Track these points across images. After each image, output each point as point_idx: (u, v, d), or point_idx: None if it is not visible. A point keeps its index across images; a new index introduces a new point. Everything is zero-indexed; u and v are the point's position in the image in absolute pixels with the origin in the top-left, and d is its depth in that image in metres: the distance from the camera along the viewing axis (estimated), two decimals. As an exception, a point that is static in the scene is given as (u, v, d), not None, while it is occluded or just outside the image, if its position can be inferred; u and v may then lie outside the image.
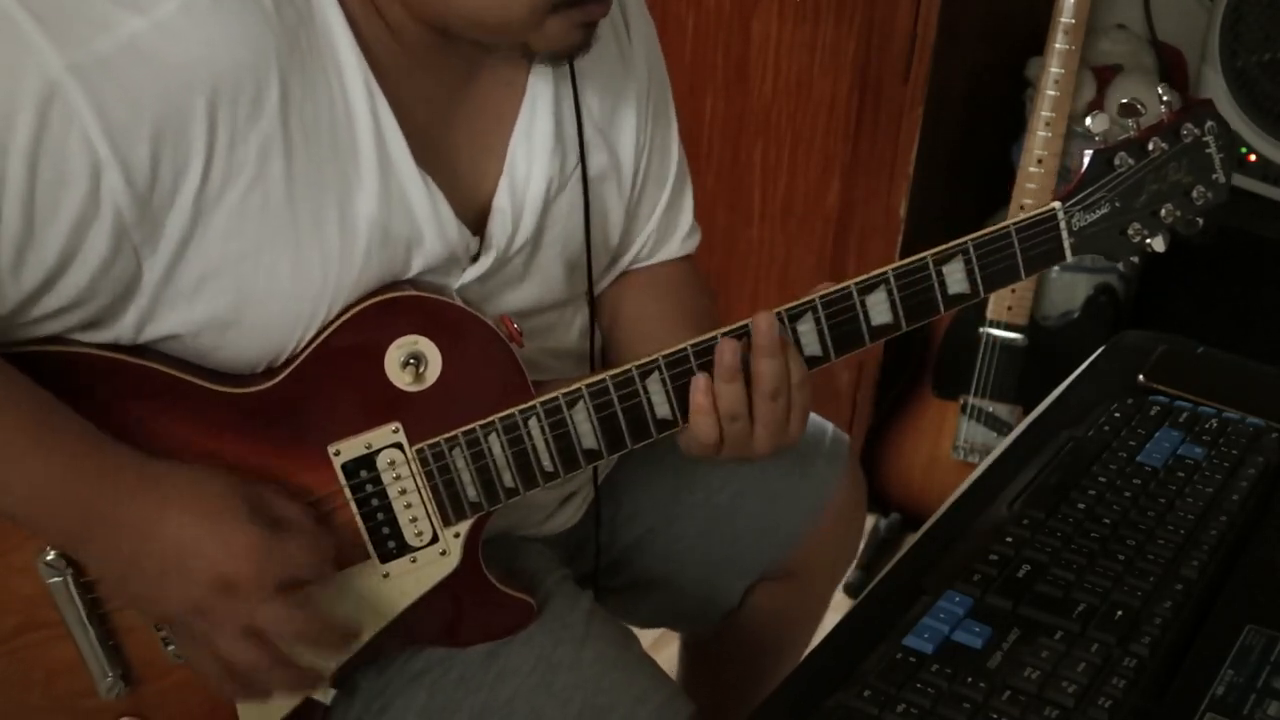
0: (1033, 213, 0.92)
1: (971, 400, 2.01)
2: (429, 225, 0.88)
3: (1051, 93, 1.82)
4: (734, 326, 0.90)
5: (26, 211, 0.76)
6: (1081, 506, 0.94)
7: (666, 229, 1.13)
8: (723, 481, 1.22)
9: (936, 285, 0.92)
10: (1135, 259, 0.96)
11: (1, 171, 0.74)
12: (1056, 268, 1.96)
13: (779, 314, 0.90)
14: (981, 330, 1.97)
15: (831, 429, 1.29)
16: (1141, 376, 1.13)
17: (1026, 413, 1.41)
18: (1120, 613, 0.83)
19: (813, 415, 1.25)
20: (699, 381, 0.90)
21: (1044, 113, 1.83)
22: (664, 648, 1.54)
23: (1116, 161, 0.93)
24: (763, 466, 1.22)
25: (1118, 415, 1.06)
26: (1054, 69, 1.81)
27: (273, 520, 0.83)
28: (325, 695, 0.93)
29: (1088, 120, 0.95)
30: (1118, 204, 0.94)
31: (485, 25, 0.84)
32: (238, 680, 0.86)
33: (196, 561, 0.81)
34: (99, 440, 0.82)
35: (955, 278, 0.92)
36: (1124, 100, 0.92)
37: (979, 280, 0.92)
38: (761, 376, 0.90)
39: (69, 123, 0.74)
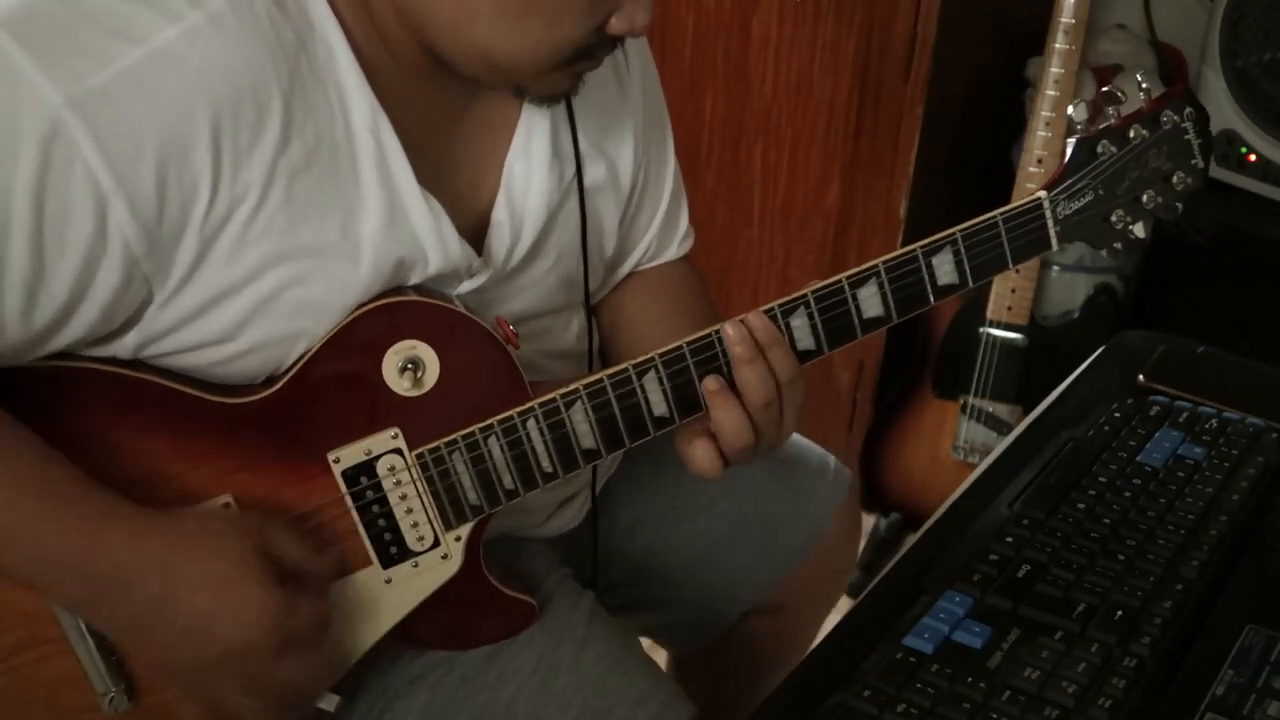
0: (1019, 202, 0.93)
1: (971, 400, 2.01)
2: (432, 243, 0.88)
3: (1051, 93, 1.82)
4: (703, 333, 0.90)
5: (35, 251, 0.75)
6: (1081, 506, 0.94)
7: (665, 236, 1.14)
8: (724, 511, 1.22)
9: (926, 276, 0.92)
10: (1118, 245, 0.97)
11: (6, 212, 0.74)
12: (1056, 267, 1.98)
13: (773, 309, 0.90)
14: (981, 330, 1.97)
15: (834, 463, 1.30)
16: (1141, 376, 1.13)
17: (1026, 413, 1.41)
18: (1120, 613, 0.83)
19: (817, 447, 1.27)
20: (710, 383, 0.90)
21: (1044, 113, 1.83)
22: (663, 650, 1.54)
23: (1099, 149, 0.94)
24: (765, 497, 1.23)
25: (1118, 415, 1.06)
26: (1054, 69, 1.81)
27: (284, 571, 0.82)
28: (329, 703, 0.93)
29: (1069, 109, 0.96)
30: (1101, 191, 0.94)
31: (493, 66, 0.84)
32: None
33: (211, 632, 0.80)
34: (107, 504, 0.80)
35: (944, 269, 0.92)
36: (1104, 89, 0.93)
37: (968, 270, 0.93)
38: (746, 386, 0.90)
39: (72, 158, 0.73)
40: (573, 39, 0.83)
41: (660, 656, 1.31)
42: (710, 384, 0.90)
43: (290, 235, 0.82)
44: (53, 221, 0.75)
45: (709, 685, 1.34)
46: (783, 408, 0.92)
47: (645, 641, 1.10)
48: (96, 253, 0.77)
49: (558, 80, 0.88)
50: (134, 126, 0.74)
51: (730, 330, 0.89)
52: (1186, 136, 0.95)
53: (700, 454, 0.93)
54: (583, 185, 0.99)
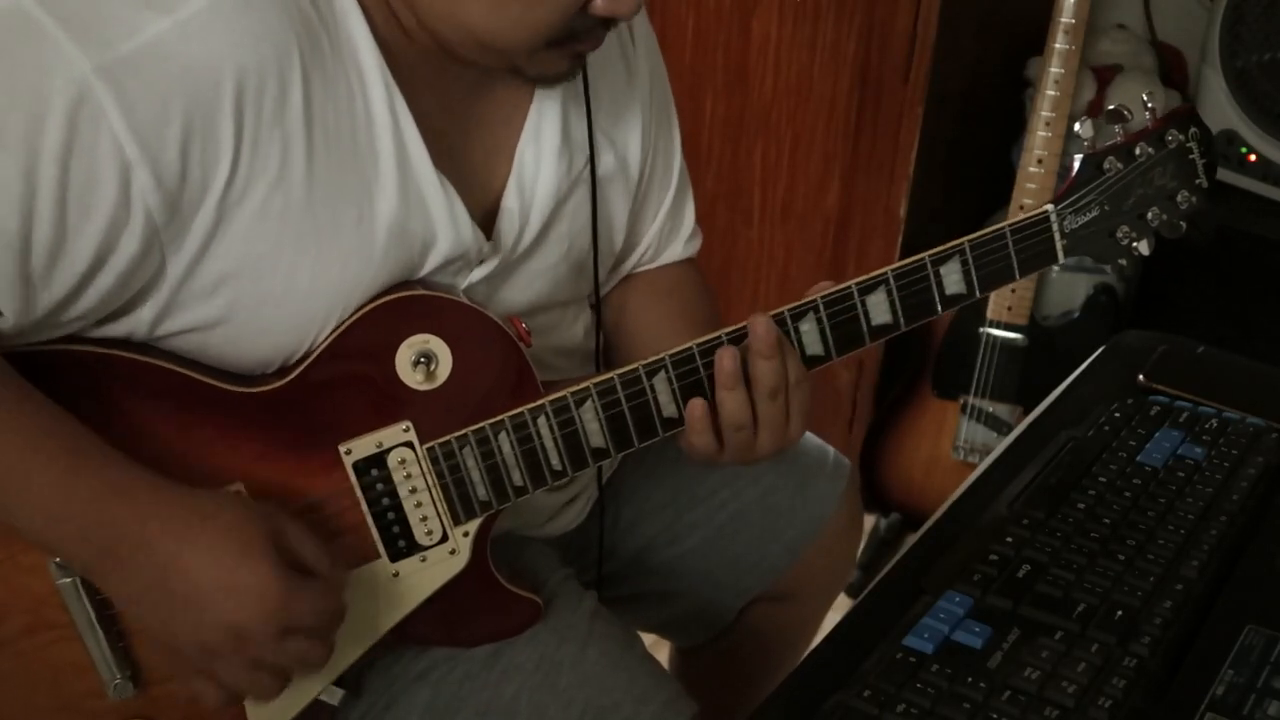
0: (1027, 215, 0.94)
1: (971, 400, 2.02)
2: (445, 227, 0.89)
3: (1051, 93, 1.82)
4: (735, 328, 0.91)
5: (59, 217, 0.76)
6: (1081, 506, 0.94)
7: (670, 232, 1.14)
8: (725, 500, 1.23)
9: (934, 285, 0.93)
10: (1123, 261, 0.98)
11: (34, 177, 0.74)
12: (1056, 267, 1.98)
13: (782, 314, 0.91)
14: (981, 330, 1.97)
15: (833, 454, 1.30)
16: (1141, 376, 1.14)
17: (1026, 413, 1.41)
18: (1120, 613, 0.83)
19: (816, 439, 1.27)
20: (695, 407, 0.91)
21: (1044, 113, 1.83)
22: (665, 647, 1.54)
23: (1105, 166, 0.95)
24: (765, 488, 1.23)
25: (1118, 415, 1.07)
26: (1054, 69, 1.81)
27: (294, 564, 0.82)
28: (333, 696, 0.94)
29: (1076, 125, 0.98)
30: (1107, 207, 0.96)
31: (484, 46, 0.85)
32: (227, 696, 0.86)
33: (210, 608, 0.80)
34: (126, 470, 0.81)
35: (952, 278, 0.93)
36: (1111, 106, 0.95)
37: (975, 281, 0.94)
38: (759, 377, 0.91)
39: (98, 125, 0.74)
40: (550, 21, 0.83)
41: (665, 653, 1.31)
42: (726, 361, 0.90)
43: (308, 213, 0.83)
44: (77, 188, 0.76)
45: (716, 678, 1.35)
46: (789, 407, 0.93)
47: (649, 639, 1.10)
48: (119, 221, 0.78)
49: (551, 60, 0.87)
50: (161, 96, 0.75)
51: (758, 327, 0.89)
52: (1191, 156, 0.97)
53: (698, 438, 0.92)
54: (595, 175, 0.99)
